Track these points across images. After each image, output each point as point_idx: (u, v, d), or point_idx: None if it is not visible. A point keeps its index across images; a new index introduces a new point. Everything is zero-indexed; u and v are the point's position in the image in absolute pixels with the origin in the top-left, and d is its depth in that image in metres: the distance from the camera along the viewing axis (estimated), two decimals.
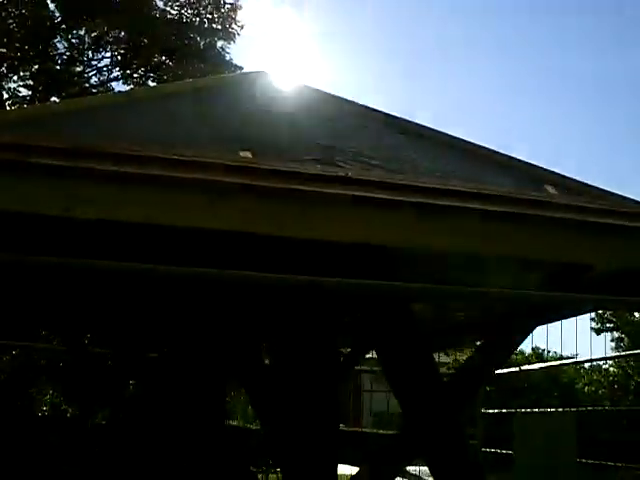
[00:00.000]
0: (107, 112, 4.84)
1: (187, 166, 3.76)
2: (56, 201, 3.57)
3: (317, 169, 4.01)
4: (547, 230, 4.10)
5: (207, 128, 4.87)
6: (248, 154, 4.15)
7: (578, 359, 10.04)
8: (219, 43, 25.25)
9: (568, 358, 17.71)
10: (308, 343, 3.96)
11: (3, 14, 23.37)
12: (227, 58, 25.27)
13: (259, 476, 7.93)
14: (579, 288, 4.38)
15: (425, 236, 3.91)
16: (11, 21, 23.38)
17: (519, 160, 5.22)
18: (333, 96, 6.20)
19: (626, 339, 42.12)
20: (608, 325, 41.60)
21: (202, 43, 24.91)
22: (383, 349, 4.21)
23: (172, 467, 4.27)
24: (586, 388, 43.81)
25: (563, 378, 40.35)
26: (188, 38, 24.66)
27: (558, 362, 15.05)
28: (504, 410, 8.59)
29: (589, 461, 7.42)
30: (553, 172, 5.03)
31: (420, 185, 4.05)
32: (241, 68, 25.37)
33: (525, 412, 7.18)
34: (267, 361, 6.16)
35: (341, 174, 3.98)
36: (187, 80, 8.77)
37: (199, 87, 6.04)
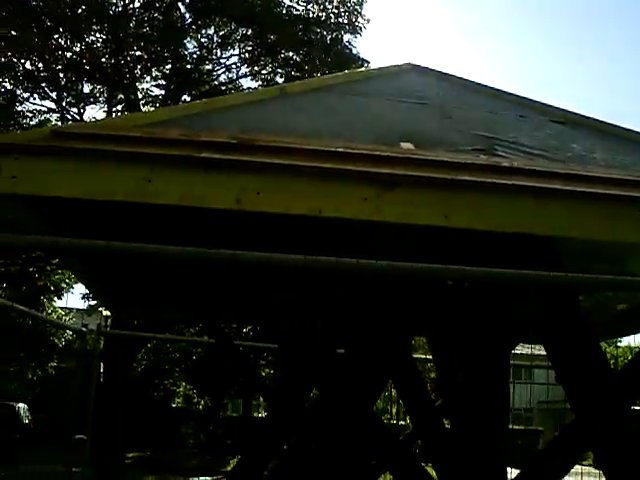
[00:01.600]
0: (264, 106, 4.91)
1: (352, 159, 3.77)
2: (227, 194, 3.63)
3: (482, 160, 3.95)
4: None
5: (363, 121, 4.87)
6: (410, 145, 4.13)
7: None
8: (345, 37, 25.30)
9: None
10: (479, 336, 3.90)
11: (137, 20, 24.16)
12: (354, 52, 25.31)
13: None
14: None
15: (594, 227, 3.77)
16: (145, 25, 24.12)
17: None
18: (485, 86, 6.11)
19: None
20: None
21: (328, 38, 25.00)
22: (552, 340, 4.11)
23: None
24: None
25: None
26: (314, 33, 24.80)
27: None
28: None
29: None
30: None
31: (585, 174, 3.93)
32: (368, 62, 25.40)
33: None
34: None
35: (505, 164, 3.90)
36: (337, 74, 8.76)
37: (348, 81, 6.04)
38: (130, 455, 24.59)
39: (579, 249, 4.30)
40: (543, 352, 4.50)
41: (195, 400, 38.44)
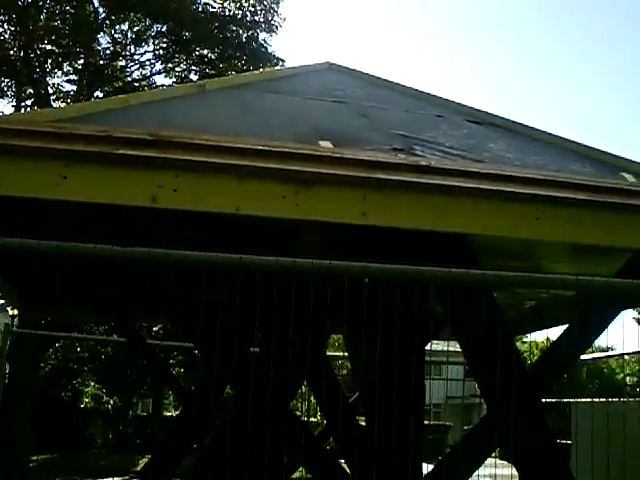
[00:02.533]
0: (181, 104, 4.86)
1: (271, 157, 3.77)
2: (143, 191, 3.59)
3: (400, 159, 4.00)
4: (626, 218, 4.05)
5: (281, 118, 4.87)
6: (329, 144, 4.15)
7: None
8: (261, 36, 25.27)
9: (609, 349, 17.67)
10: (394, 333, 3.94)
11: (48, 12, 23.62)
12: (269, 50, 25.31)
13: None
14: None
15: (506, 225, 3.87)
16: (57, 18, 23.60)
17: (594, 148, 5.17)
18: (403, 85, 6.19)
19: None
20: None
21: (244, 36, 24.93)
22: (467, 337, 4.19)
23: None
24: (628, 379, 43.57)
25: (604, 369, 40.15)
26: (230, 31, 24.68)
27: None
28: (564, 400, 8.54)
29: None
30: (628, 159, 4.99)
31: (502, 174, 4.03)
32: (283, 61, 25.42)
33: (585, 402, 7.09)
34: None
35: (423, 163, 3.96)
36: (255, 72, 8.75)
37: (267, 78, 6.05)
38: (37, 458, 23.98)
39: (493, 246, 4.41)
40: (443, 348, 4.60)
41: (104, 399, 37.82)
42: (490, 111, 5.71)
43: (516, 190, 3.85)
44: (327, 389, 6.04)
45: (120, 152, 3.62)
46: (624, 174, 4.67)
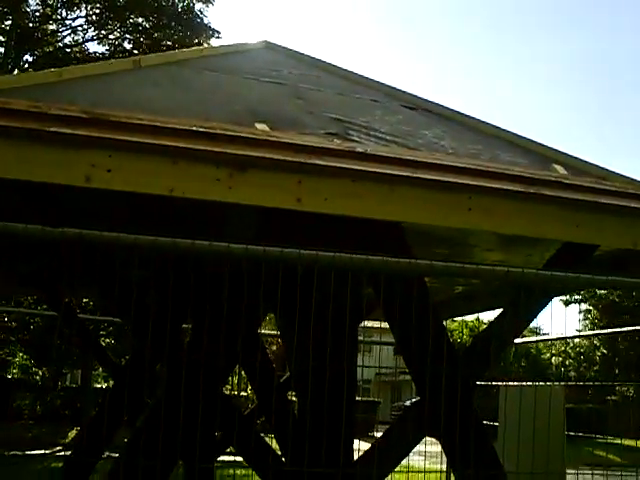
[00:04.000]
0: (116, 80, 4.77)
1: (206, 139, 3.73)
2: (76, 171, 3.52)
3: (335, 144, 4.00)
4: (557, 210, 4.14)
5: (218, 98, 4.83)
6: (265, 126, 4.13)
7: (573, 335, 10.13)
8: (197, 6, 24.95)
9: (537, 330, 18.16)
10: (327, 313, 3.97)
11: None
12: (205, 21, 25.01)
13: None
14: (582, 267, 4.44)
15: (439, 214, 3.92)
16: None
17: (528, 139, 5.25)
18: (339, 67, 6.18)
19: (594, 311, 42.99)
20: (576, 297, 42.31)
21: (180, 5, 24.57)
22: (396, 319, 4.24)
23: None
24: (553, 359, 44.77)
25: (531, 349, 41.17)
26: (166, 0, 24.31)
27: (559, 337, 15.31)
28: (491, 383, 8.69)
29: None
30: (559, 151, 5.08)
31: (436, 162, 4.07)
32: (218, 32, 25.17)
33: (511, 384, 7.25)
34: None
35: (359, 150, 3.98)
36: (193, 48, 8.62)
37: (204, 55, 5.97)
38: None
39: (427, 234, 4.45)
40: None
41: (32, 370, 37.23)
42: (426, 97, 5.74)
43: (450, 180, 3.90)
44: (260, 369, 6.06)
45: (52, 130, 3.54)
46: (555, 166, 4.76)
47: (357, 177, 3.71)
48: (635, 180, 4.77)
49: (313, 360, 4.37)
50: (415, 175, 3.83)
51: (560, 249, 4.49)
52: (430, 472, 8.17)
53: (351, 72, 6.18)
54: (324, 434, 4.15)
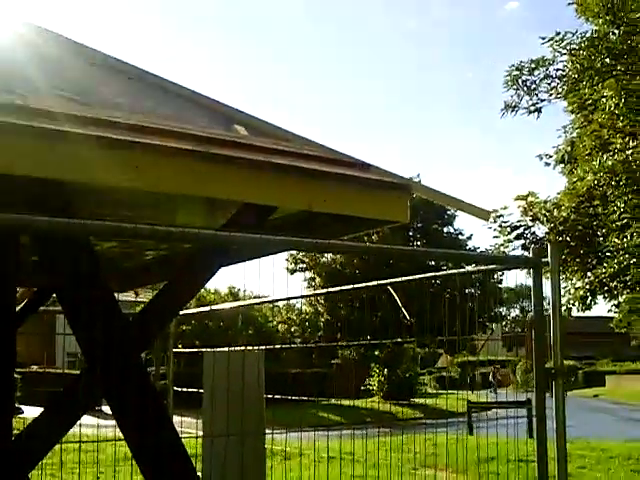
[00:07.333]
0: None
1: None
2: None
3: None
4: (235, 170, 4.08)
5: None
6: None
7: (270, 299, 10.31)
8: None
9: (263, 297, 18.52)
10: None
11: None
12: None
13: None
14: (266, 228, 4.45)
15: (109, 173, 3.71)
16: None
17: (212, 99, 5.16)
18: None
19: (317, 279, 45.01)
20: (301, 266, 44.11)
21: None
22: (62, 289, 4.03)
23: None
24: (280, 326, 46.29)
25: (258, 317, 42.25)
26: None
27: (249, 302, 15.62)
28: (196, 350, 8.68)
29: (277, 397, 7.65)
30: (243, 112, 5.04)
31: (110, 120, 3.86)
32: None
33: (213, 350, 7.25)
34: None
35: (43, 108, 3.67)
36: None
37: None
38: None
39: (93, 193, 4.24)
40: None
41: None
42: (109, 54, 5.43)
43: (118, 137, 3.70)
44: None
45: None
46: (237, 126, 4.72)
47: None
48: (313, 141, 4.84)
49: None
50: (86, 132, 3.59)
51: (240, 210, 4.46)
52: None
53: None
54: None
